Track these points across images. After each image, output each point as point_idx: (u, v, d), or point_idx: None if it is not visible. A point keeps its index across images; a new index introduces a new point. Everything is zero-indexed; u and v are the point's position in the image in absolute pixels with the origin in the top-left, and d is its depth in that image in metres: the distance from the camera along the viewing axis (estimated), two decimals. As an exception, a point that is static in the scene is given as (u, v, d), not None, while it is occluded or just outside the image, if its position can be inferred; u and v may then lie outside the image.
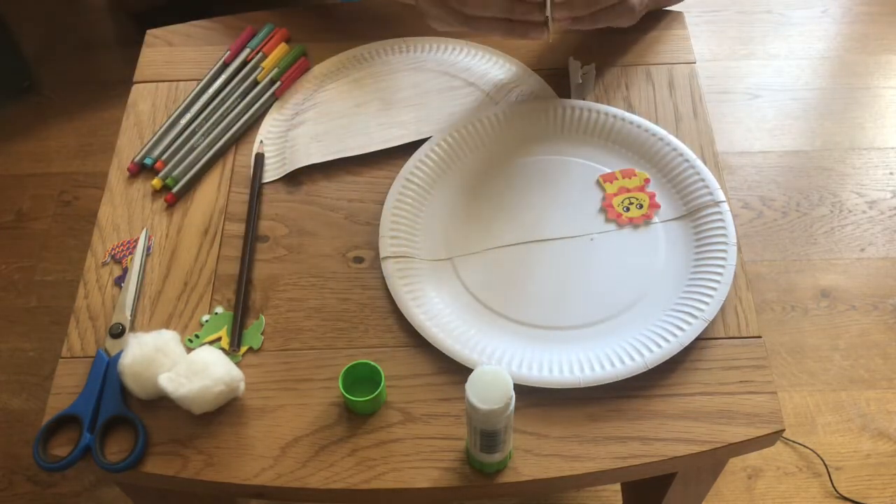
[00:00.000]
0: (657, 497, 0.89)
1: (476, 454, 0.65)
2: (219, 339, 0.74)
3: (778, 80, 1.76)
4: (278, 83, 0.91)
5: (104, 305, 0.77)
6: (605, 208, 0.80)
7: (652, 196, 0.81)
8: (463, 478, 0.67)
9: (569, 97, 0.88)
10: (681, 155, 0.82)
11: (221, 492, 0.69)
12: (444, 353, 0.72)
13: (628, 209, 0.80)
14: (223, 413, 0.70)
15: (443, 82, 0.90)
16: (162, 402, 0.71)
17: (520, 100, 0.88)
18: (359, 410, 0.70)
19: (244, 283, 0.77)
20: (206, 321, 0.75)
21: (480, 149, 0.85)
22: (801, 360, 1.36)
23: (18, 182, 1.64)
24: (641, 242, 0.79)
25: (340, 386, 0.69)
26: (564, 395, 0.70)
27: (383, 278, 0.77)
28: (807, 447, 1.26)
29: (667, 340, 0.71)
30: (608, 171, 0.83)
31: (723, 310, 0.74)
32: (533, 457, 0.68)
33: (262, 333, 0.75)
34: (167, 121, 0.89)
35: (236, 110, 0.89)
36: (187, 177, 0.84)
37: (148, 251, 0.80)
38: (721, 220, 0.78)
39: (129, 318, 0.75)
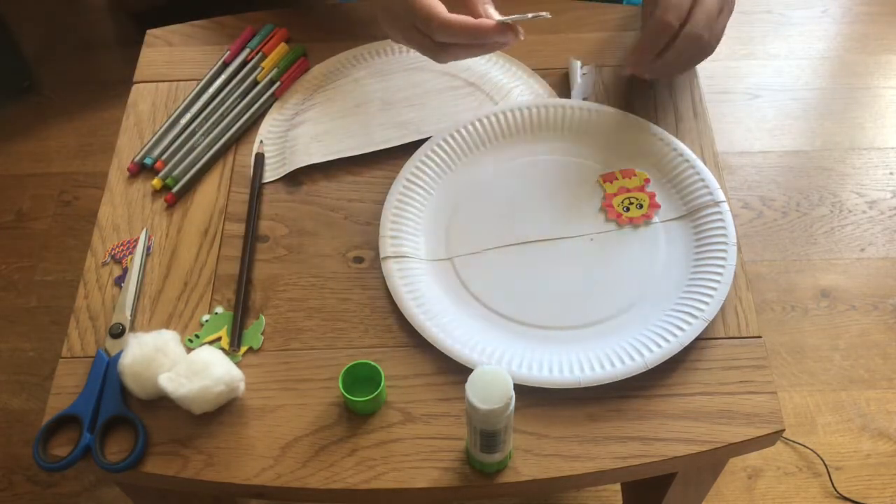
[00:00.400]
0: (657, 497, 0.89)
1: (476, 454, 0.65)
2: (219, 339, 0.74)
3: (778, 80, 1.76)
4: (278, 83, 0.91)
5: (104, 305, 0.77)
6: (605, 208, 0.80)
7: (652, 196, 0.81)
8: (463, 478, 0.67)
9: (569, 97, 0.88)
10: (681, 155, 0.82)
11: (221, 492, 0.69)
12: (444, 353, 0.72)
13: (628, 209, 0.80)
14: (223, 413, 0.70)
15: (443, 82, 0.90)
16: (162, 402, 0.71)
17: (520, 100, 0.88)
18: (359, 410, 0.70)
19: (244, 283, 0.77)
20: (206, 321, 0.75)
21: (480, 149, 0.85)
22: (801, 360, 1.36)
23: (18, 182, 1.65)
24: (641, 242, 0.79)
25: (340, 386, 0.69)
26: (564, 395, 0.70)
27: (383, 278, 0.77)
28: (807, 447, 1.26)
29: (667, 340, 0.71)
30: (608, 171, 0.83)
31: (723, 310, 0.74)
32: (533, 457, 0.68)
33: (262, 333, 0.75)
34: (167, 121, 0.89)
35: (236, 110, 0.89)
36: (187, 177, 0.84)
37: (148, 251, 0.80)
38: (721, 220, 0.78)
39: (129, 318, 0.75)
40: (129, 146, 0.88)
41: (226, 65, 0.93)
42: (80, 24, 1.93)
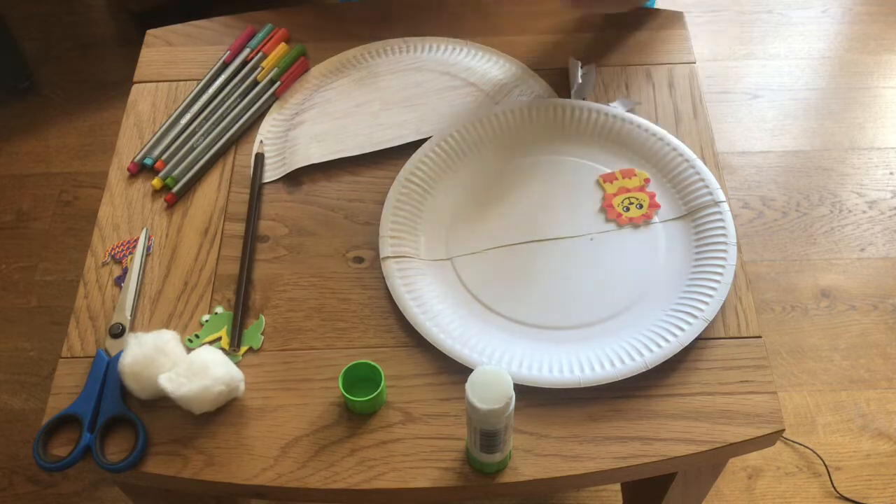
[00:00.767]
0: (657, 497, 0.89)
1: (476, 454, 0.65)
2: (219, 339, 0.74)
3: (778, 80, 1.76)
4: (278, 83, 0.91)
5: (104, 305, 0.77)
6: (605, 208, 0.80)
7: (652, 196, 0.81)
8: (463, 478, 0.67)
9: (569, 97, 0.88)
10: (681, 155, 0.82)
11: (221, 492, 0.69)
12: (444, 353, 0.72)
13: (628, 209, 0.80)
14: (223, 413, 0.70)
15: (443, 82, 0.90)
16: (162, 402, 0.71)
17: (520, 100, 0.88)
18: (359, 410, 0.70)
19: (244, 283, 0.77)
20: (206, 321, 0.75)
21: (480, 149, 0.85)
22: (801, 360, 1.36)
23: (18, 182, 1.65)
24: (641, 242, 0.79)
25: (340, 386, 0.69)
26: (564, 395, 0.70)
27: (383, 278, 0.77)
28: (807, 447, 1.26)
29: (667, 340, 0.71)
30: (608, 171, 0.83)
31: (723, 310, 0.74)
32: (533, 457, 0.68)
33: (262, 333, 0.75)
34: (167, 121, 0.89)
35: (236, 110, 0.89)
36: (187, 177, 0.84)
37: (148, 251, 0.80)
38: (721, 220, 0.78)
39: (129, 318, 0.75)
40: (129, 146, 0.88)
41: (226, 65, 0.93)
42: (80, 24, 1.93)
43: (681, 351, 0.71)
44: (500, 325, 0.74)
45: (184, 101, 0.90)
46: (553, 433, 0.69)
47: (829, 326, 1.40)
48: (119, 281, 0.78)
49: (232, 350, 0.73)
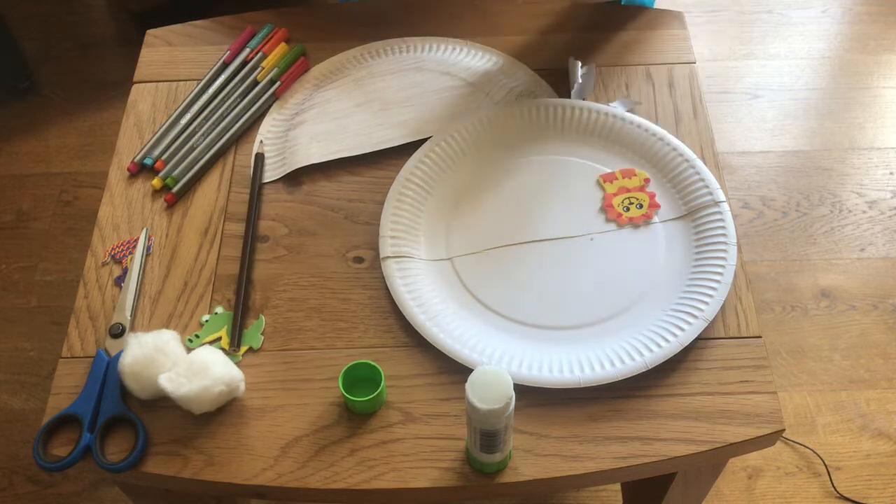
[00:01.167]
0: (657, 497, 0.89)
1: (476, 454, 0.65)
2: (219, 339, 0.74)
3: (778, 80, 1.76)
4: (278, 83, 0.91)
5: (104, 305, 0.77)
6: (605, 208, 0.80)
7: (652, 196, 0.81)
8: (463, 478, 0.67)
9: (569, 97, 0.88)
10: (681, 155, 0.82)
11: (221, 492, 0.69)
12: (444, 353, 0.72)
13: (628, 209, 0.80)
14: (223, 413, 0.70)
15: (443, 82, 0.90)
16: (162, 402, 0.71)
17: (520, 100, 0.88)
18: (359, 410, 0.70)
19: (244, 283, 0.77)
20: (206, 321, 0.75)
21: (480, 149, 0.85)
22: (801, 360, 1.36)
23: (18, 182, 1.64)
24: (641, 242, 0.79)
25: (340, 386, 0.69)
26: (564, 395, 0.70)
27: (383, 278, 0.77)
28: (807, 447, 1.26)
29: (667, 340, 0.71)
30: (608, 171, 0.83)
31: (723, 310, 0.74)
32: (533, 457, 0.68)
33: (262, 333, 0.75)
34: (167, 121, 0.89)
35: (236, 110, 0.89)
36: (187, 177, 0.84)
37: (148, 251, 0.80)
38: (721, 220, 0.78)
39: (129, 318, 0.75)
40: (129, 146, 0.88)
41: (226, 65, 0.93)
42: (80, 24, 1.93)
43: (681, 351, 0.71)
44: (500, 325, 0.74)
45: (184, 101, 0.90)
46: (553, 433, 0.69)
47: (829, 326, 1.40)
48: (119, 281, 0.78)
49: (232, 350, 0.73)
